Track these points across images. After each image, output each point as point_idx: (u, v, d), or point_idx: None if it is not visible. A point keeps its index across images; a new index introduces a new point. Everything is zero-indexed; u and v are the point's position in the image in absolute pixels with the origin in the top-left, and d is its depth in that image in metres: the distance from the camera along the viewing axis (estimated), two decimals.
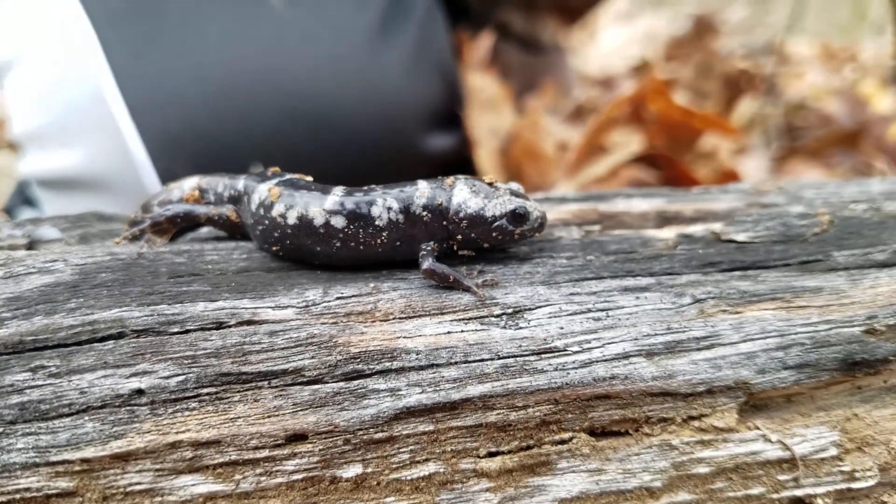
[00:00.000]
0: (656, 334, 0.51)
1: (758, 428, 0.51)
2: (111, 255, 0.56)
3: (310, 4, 1.12)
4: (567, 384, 0.48)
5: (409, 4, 1.28)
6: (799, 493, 0.51)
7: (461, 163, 1.44)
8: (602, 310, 0.52)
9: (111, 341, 0.49)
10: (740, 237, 0.58)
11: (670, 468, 0.50)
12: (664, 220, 0.68)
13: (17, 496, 0.45)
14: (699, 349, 0.50)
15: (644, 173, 1.40)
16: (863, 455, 0.52)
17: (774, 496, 0.51)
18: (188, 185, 0.62)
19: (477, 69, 1.49)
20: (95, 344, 0.49)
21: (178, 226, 0.59)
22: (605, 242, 0.59)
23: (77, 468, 0.46)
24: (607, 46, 2.74)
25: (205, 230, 0.63)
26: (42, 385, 0.47)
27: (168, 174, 1.03)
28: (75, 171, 1.11)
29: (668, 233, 0.60)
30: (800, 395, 0.52)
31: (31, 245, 0.62)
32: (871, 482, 0.52)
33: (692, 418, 0.50)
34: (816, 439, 0.51)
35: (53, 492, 0.46)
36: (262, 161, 1.02)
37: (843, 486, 0.52)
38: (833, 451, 0.51)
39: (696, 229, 0.60)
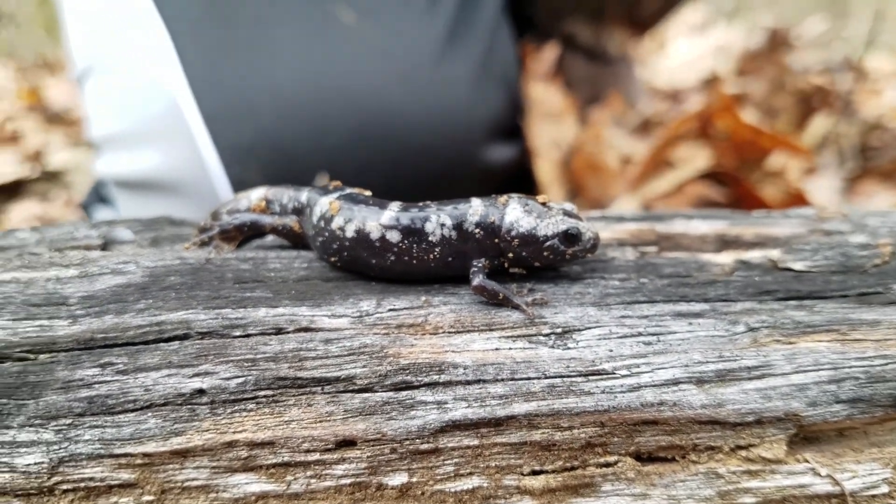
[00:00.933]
0: (707, 361, 0.51)
1: (807, 461, 0.50)
2: (180, 260, 0.59)
3: (379, 18, 1.14)
4: (614, 408, 0.49)
5: (475, 18, 1.30)
6: None
7: (522, 174, 1.45)
8: (653, 334, 0.52)
9: (176, 342, 0.52)
10: (798, 266, 0.58)
11: (716, 497, 0.50)
12: (724, 243, 0.68)
13: (83, 485, 0.48)
14: (750, 378, 0.50)
15: (711, 191, 1.38)
16: None
17: None
18: (255, 195, 0.65)
19: (541, 81, 1.50)
20: (161, 344, 0.52)
21: (245, 234, 0.61)
22: (660, 265, 0.59)
23: (139, 461, 0.48)
24: (678, 58, 2.70)
25: (269, 238, 0.65)
26: (110, 381, 0.50)
27: (239, 182, 1.07)
28: (150, 174, 1.16)
29: (726, 258, 0.60)
30: (852, 430, 0.52)
31: (106, 245, 0.65)
32: None
33: (740, 448, 0.50)
34: (868, 476, 0.50)
35: (116, 483, 0.48)
36: (330, 172, 1.05)
37: None
38: (885, 489, 0.50)
39: (754, 255, 0.60)
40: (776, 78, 2.17)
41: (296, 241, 0.62)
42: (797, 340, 0.52)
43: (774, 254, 0.59)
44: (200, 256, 0.59)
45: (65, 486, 0.48)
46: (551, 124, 1.54)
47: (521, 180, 1.46)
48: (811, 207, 0.73)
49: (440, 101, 1.13)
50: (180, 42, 1.08)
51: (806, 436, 0.51)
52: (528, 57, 1.54)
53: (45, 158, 2.28)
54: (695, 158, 1.38)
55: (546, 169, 1.48)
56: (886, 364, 0.51)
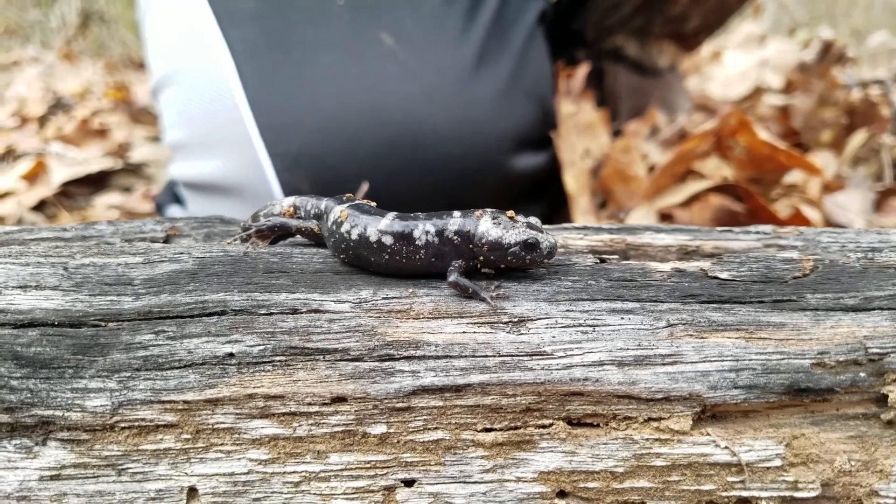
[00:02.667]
0: (629, 349, 0.63)
1: (709, 434, 0.62)
2: (224, 252, 0.74)
3: (412, 41, 1.28)
4: (549, 381, 0.62)
5: (507, 37, 1.42)
6: (745, 494, 0.62)
7: (549, 184, 1.56)
8: (590, 325, 0.64)
9: (215, 317, 0.66)
10: (724, 275, 0.69)
11: (632, 458, 0.62)
12: (685, 254, 0.80)
13: (136, 424, 0.63)
14: (663, 364, 0.62)
15: (733, 203, 1.47)
16: (807, 469, 0.62)
17: (724, 494, 0.62)
18: (286, 202, 0.80)
19: (571, 96, 1.61)
20: (204, 318, 0.66)
21: (276, 233, 0.76)
22: (611, 270, 0.71)
23: (180, 407, 0.63)
24: (732, 69, 2.76)
25: (298, 238, 0.80)
26: (161, 344, 0.64)
27: (289, 186, 1.23)
28: (214, 177, 1.32)
29: (666, 266, 0.72)
30: (755, 413, 0.63)
31: (168, 239, 0.81)
32: (813, 493, 0.62)
33: (652, 419, 0.62)
34: (763, 450, 0.62)
35: (162, 423, 0.63)
36: (362, 180, 1.19)
37: (787, 493, 0.62)
38: (777, 462, 0.62)
39: (691, 265, 0.72)
40: (824, 92, 2.22)
41: (316, 240, 0.76)
42: (708, 336, 0.64)
43: (706, 264, 0.71)
44: (240, 250, 0.74)
45: (122, 425, 0.63)
46: (582, 136, 1.65)
47: (547, 189, 1.58)
48: (769, 225, 0.83)
49: (465, 116, 1.26)
50: (240, 62, 1.24)
51: (714, 414, 0.63)
52: (560, 73, 1.65)
53: (127, 152, 2.47)
54: (715, 171, 1.48)
55: (574, 178, 1.58)
56: (783, 359, 0.62)
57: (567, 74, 1.67)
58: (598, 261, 0.74)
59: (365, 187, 1.20)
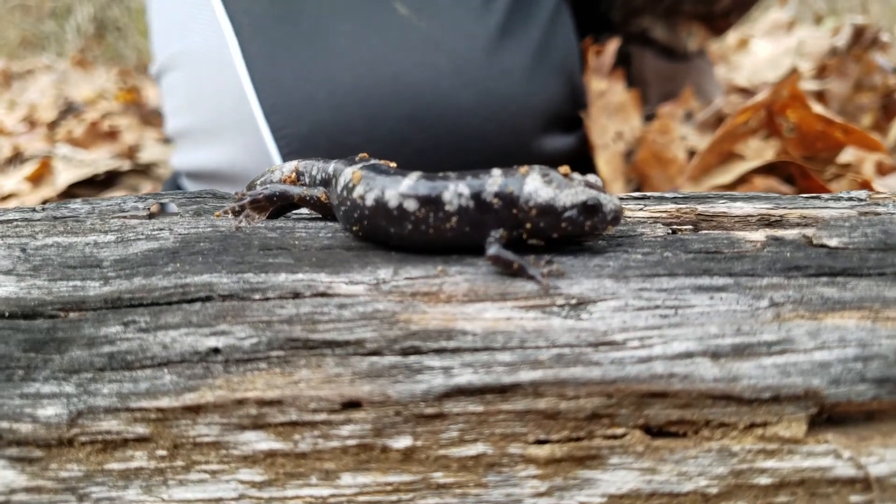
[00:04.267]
0: (724, 335, 0.49)
1: (827, 442, 0.48)
2: (212, 227, 0.61)
3: (434, 10, 1.16)
4: (622, 378, 0.48)
5: (532, 8, 1.29)
6: None
7: (580, 164, 1.43)
8: (671, 307, 0.51)
9: (198, 303, 0.53)
10: (833, 242, 0.55)
11: (729, 475, 0.48)
12: (767, 224, 0.65)
13: (100, 437, 0.50)
14: (770, 354, 0.48)
15: (781, 185, 1.33)
16: None
17: None
18: (288, 167, 0.67)
19: (601, 74, 1.48)
20: (184, 304, 0.53)
21: (275, 204, 0.63)
22: (689, 241, 0.57)
23: (153, 416, 0.50)
24: (760, 56, 2.62)
25: (305, 211, 0.67)
26: (131, 338, 0.52)
27: None
28: (218, 165, 1.21)
29: (759, 235, 0.58)
30: (882, 413, 0.49)
31: (151, 217, 0.68)
32: None
33: (756, 425, 0.48)
34: None
35: (131, 436, 0.50)
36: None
37: None
38: None
39: (790, 233, 0.58)
40: (860, 77, 2.08)
41: (324, 211, 0.63)
42: (824, 316, 0.50)
43: (809, 230, 0.57)
44: (231, 224, 0.61)
45: (83, 438, 0.50)
46: (614, 118, 1.52)
47: (579, 171, 1.44)
48: (863, 190, 0.69)
49: (492, 90, 1.14)
50: (244, 38, 1.12)
51: (830, 416, 0.49)
52: (588, 51, 1.52)
53: (137, 153, 2.39)
54: (761, 151, 1.34)
55: (607, 162, 1.45)
56: None
57: (596, 50, 1.54)
58: (670, 231, 0.60)
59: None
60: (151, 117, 2.83)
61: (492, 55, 1.16)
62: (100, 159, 2.28)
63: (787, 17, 2.79)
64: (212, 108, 1.19)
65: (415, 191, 0.54)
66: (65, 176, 2.13)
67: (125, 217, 0.67)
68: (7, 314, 0.54)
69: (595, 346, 0.49)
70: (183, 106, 1.28)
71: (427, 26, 1.15)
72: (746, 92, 2.04)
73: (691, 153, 1.52)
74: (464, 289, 0.53)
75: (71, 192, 2.10)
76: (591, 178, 0.55)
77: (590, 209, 0.52)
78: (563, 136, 1.31)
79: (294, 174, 0.65)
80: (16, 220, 0.68)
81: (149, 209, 0.68)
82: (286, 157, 1.10)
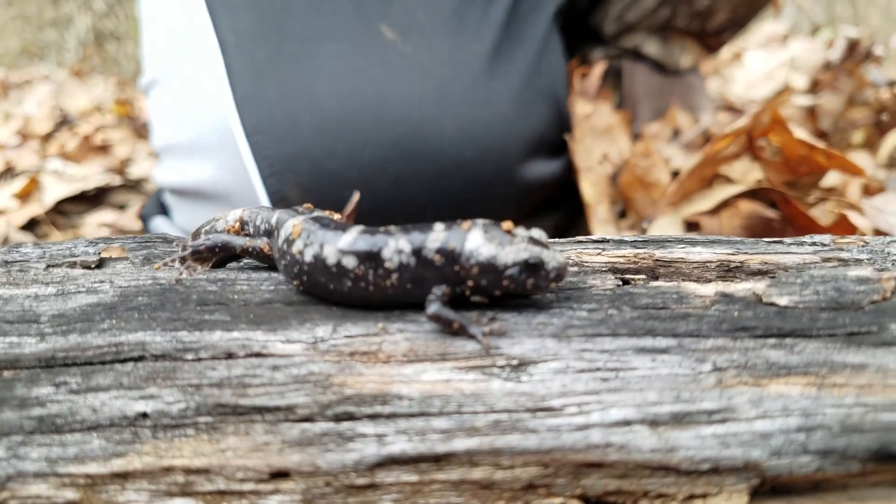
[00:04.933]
0: (664, 402, 0.47)
1: None
2: (153, 280, 0.60)
3: (421, 35, 1.14)
4: (558, 448, 0.46)
5: (524, 34, 1.28)
6: None
7: (565, 191, 1.42)
8: (612, 369, 0.49)
9: (130, 363, 0.52)
10: (783, 301, 0.53)
11: None
12: (726, 271, 0.64)
13: (29, 502, 0.49)
14: (710, 423, 0.47)
15: (766, 209, 1.32)
16: None
17: None
18: (232, 216, 0.65)
19: (588, 96, 1.46)
20: (117, 365, 0.52)
21: (217, 255, 0.61)
22: (638, 295, 0.56)
23: (82, 481, 0.49)
24: (754, 70, 2.61)
25: (252, 262, 0.65)
26: (62, 400, 0.51)
27: (277, 194, 1.09)
28: (199, 183, 1.20)
29: (709, 290, 0.56)
30: (829, 483, 0.47)
31: (101, 263, 0.67)
32: None
33: (695, 496, 0.46)
34: None
35: (60, 501, 0.49)
36: (366, 186, 1.05)
37: None
38: None
39: (739, 288, 0.56)
40: (853, 91, 2.07)
41: (267, 262, 0.62)
42: (767, 383, 0.48)
43: (759, 287, 0.55)
44: (172, 277, 0.59)
45: (13, 503, 0.49)
46: (600, 139, 1.51)
47: (563, 197, 1.43)
48: (828, 234, 0.68)
49: (478, 117, 1.12)
50: (229, 56, 1.11)
51: (777, 487, 0.47)
52: (574, 73, 1.51)
53: (127, 168, 2.38)
54: (744, 175, 1.32)
55: (590, 185, 1.44)
56: (866, 413, 0.47)
57: (582, 73, 1.53)
58: (620, 283, 0.58)
59: (356, 198, 1.05)
60: (144, 131, 2.82)
61: (478, 83, 1.14)
62: (90, 174, 2.28)
63: (783, 28, 2.77)
64: (195, 125, 1.18)
65: (354, 247, 0.53)
66: (53, 192, 2.12)
67: (72, 264, 0.65)
68: None
69: (533, 411, 0.47)
70: (168, 121, 1.27)
71: (413, 51, 1.13)
72: (734, 109, 2.03)
73: (676, 174, 1.50)
74: (403, 348, 0.52)
75: (59, 208, 2.09)
76: (535, 233, 0.54)
77: (531, 267, 0.51)
78: (549, 161, 1.30)
79: (238, 224, 0.64)
80: None
81: (99, 254, 0.67)
82: (267, 178, 1.08)
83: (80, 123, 2.84)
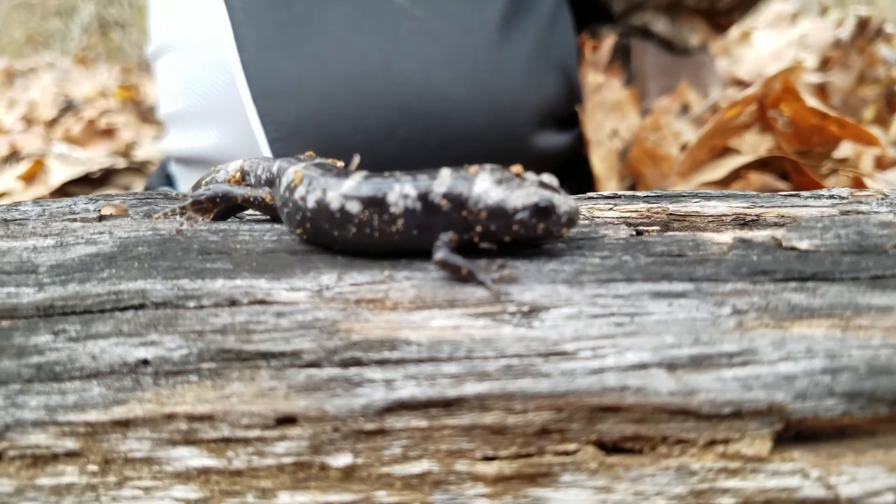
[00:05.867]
0: (682, 345, 0.46)
1: (794, 460, 0.44)
2: (153, 230, 0.58)
3: (432, 0, 1.13)
4: (572, 391, 0.45)
5: (533, 4, 1.26)
6: None
7: (575, 164, 1.40)
8: (627, 314, 0.47)
9: (131, 311, 0.50)
10: (804, 244, 0.52)
11: (688, 495, 0.45)
12: (743, 224, 0.62)
13: (29, 451, 0.48)
14: (730, 366, 0.45)
15: (776, 180, 1.30)
16: None
17: None
18: (233, 166, 0.64)
19: (598, 70, 1.44)
20: (117, 313, 0.51)
21: (218, 205, 0.60)
22: (652, 244, 0.54)
23: (82, 430, 0.47)
24: (763, 50, 2.58)
25: (252, 213, 0.64)
26: (60, 348, 0.49)
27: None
28: (207, 150, 1.19)
29: (726, 237, 0.54)
30: (856, 429, 0.46)
31: (101, 219, 0.65)
32: None
33: (716, 442, 0.45)
34: (869, 481, 0.44)
35: (60, 451, 0.48)
36: (371, 151, 1.03)
37: None
38: (889, 498, 0.44)
39: (758, 234, 0.54)
40: (864, 69, 2.04)
41: (269, 213, 0.60)
42: (790, 325, 0.46)
43: (779, 232, 0.53)
44: (172, 227, 0.58)
45: (12, 453, 0.48)
46: (610, 114, 1.49)
47: (572, 170, 1.41)
48: (846, 188, 0.66)
49: (488, 84, 1.11)
50: (236, 22, 1.09)
51: (798, 433, 0.46)
52: (585, 46, 1.49)
53: (133, 151, 2.37)
54: (755, 146, 1.30)
55: (601, 159, 1.42)
56: (894, 355, 0.45)
57: (593, 46, 1.50)
58: (633, 233, 0.57)
59: (356, 160, 1.03)
60: (149, 114, 2.81)
61: (488, 49, 1.13)
62: (95, 157, 2.27)
63: (791, 8, 2.74)
64: (203, 92, 1.17)
65: (357, 192, 0.51)
66: (58, 174, 2.11)
67: (72, 220, 0.64)
68: None
69: (545, 356, 0.46)
70: (175, 89, 1.26)
71: (423, 16, 1.12)
72: (744, 84, 2.00)
73: (685, 149, 1.48)
74: (410, 295, 0.50)
75: (65, 190, 2.08)
76: (545, 177, 0.52)
77: (542, 211, 0.49)
78: (558, 133, 1.28)
79: (239, 174, 0.62)
80: None
81: (99, 211, 0.66)
82: (274, 143, 1.07)
83: (85, 109, 2.83)
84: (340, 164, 0.57)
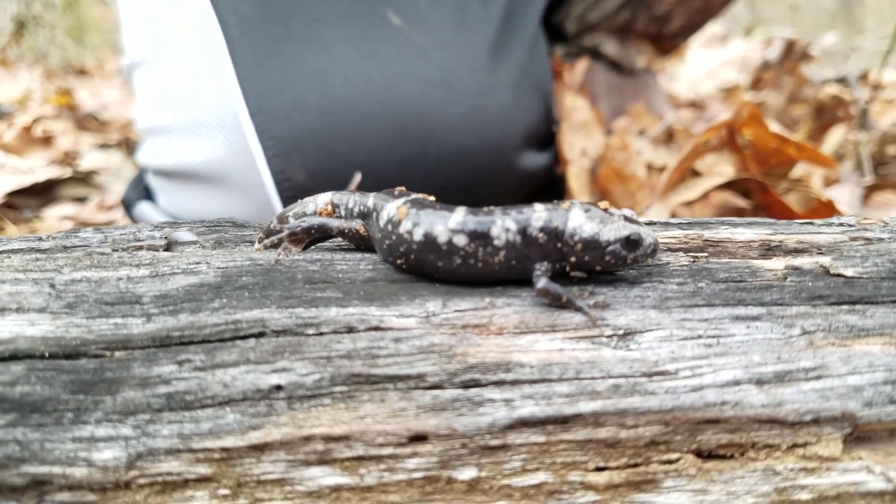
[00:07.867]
0: (766, 363, 0.52)
1: (861, 458, 0.52)
2: (251, 261, 0.61)
3: (426, 24, 1.17)
4: (678, 407, 0.51)
5: (517, 28, 1.32)
6: None
7: (551, 182, 1.47)
8: (713, 336, 0.54)
9: (252, 339, 0.53)
10: (849, 272, 0.59)
11: (773, 493, 0.51)
12: (767, 249, 0.70)
13: (160, 479, 0.50)
14: (808, 379, 0.52)
15: (736, 198, 1.40)
16: None
17: None
18: (322, 200, 0.67)
19: (572, 92, 1.52)
20: (238, 341, 0.53)
21: (312, 237, 0.63)
22: (714, 270, 0.61)
23: (216, 456, 0.50)
24: (697, 69, 2.73)
25: (328, 242, 0.67)
26: (188, 377, 0.52)
27: (281, 174, 1.09)
28: (195, 164, 1.19)
29: (777, 264, 0.61)
30: None
31: (169, 247, 0.67)
32: None
33: (797, 445, 0.51)
34: None
35: (192, 477, 0.50)
36: (370, 169, 1.07)
37: None
38: None
39: (805, 262, 0.62)
40: (794, 89, 2.19)
41: (361, 243, 0.64)
42: (851, 343, 0.54)
43: (826, 260, 0.61)
44: (270, 258, 0.61)
45: (141, 481, 0.50)
46: (580, 134, 1.56)
47: (550, 188, 1.48)
48: (851, 216, 0.74)
49: (480, 106, 1.16)
50: (231, 37, 1.10)
51: (860, 435, 0.53)
52: (559, 68, 1.56)
53: (75, 160, 2.30)
54: (721, 167, 1.40)
55: (575, 175, 1.49)
56: None
57: (569, 69, 1.58)
58: (692, 259, 0.63)
59: (357, 179, 1.07)
60: (87, 121, 2.73)
61: (481, 73, 1.18)
62: (36, 167, 2.20)
63: (721, 29, 2.91)
64: (192, 105, 1.17)
65: (464, 226, 0.56)
66: (1, 184, 2.04)
67: (137, 247, 0.66)
68: (47, 354, 0.53)
69: (649, 376, 0.52)
70: (160, 101, 1.25)
71: (419, 39, 1.16)
72: (695, 106, 2.12)
73: (649, 167, 1.57)
74: (514, 321, 0.55)
75: (8, 201, 2.01)
76: (626, 212, 0.58)
77: (632, 243, 0.55)
78: (538, 153, 1.35)
79: (330, 206, 0.66)
80: (23, 249, 0.66)
81: (166, 238, 0.68)
82: (272, 159, 1.09)
83: (17, 114, 2.72)
84: (433, 198, 0.61)
